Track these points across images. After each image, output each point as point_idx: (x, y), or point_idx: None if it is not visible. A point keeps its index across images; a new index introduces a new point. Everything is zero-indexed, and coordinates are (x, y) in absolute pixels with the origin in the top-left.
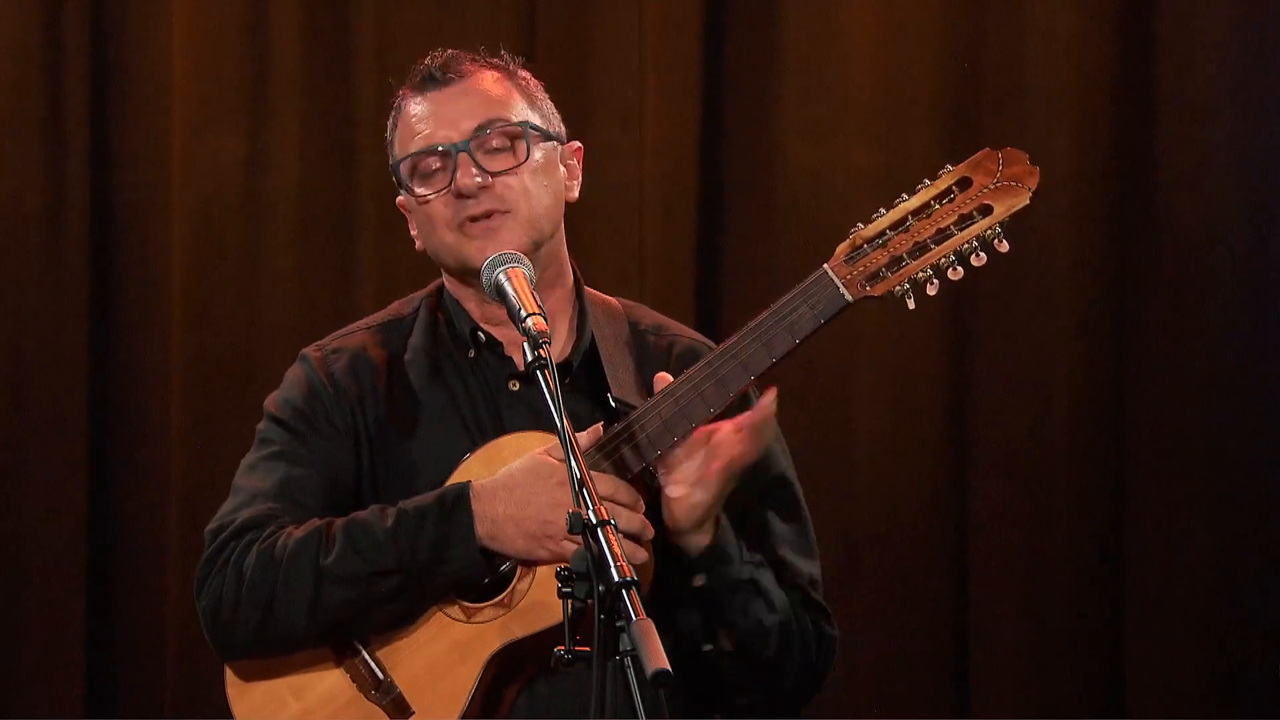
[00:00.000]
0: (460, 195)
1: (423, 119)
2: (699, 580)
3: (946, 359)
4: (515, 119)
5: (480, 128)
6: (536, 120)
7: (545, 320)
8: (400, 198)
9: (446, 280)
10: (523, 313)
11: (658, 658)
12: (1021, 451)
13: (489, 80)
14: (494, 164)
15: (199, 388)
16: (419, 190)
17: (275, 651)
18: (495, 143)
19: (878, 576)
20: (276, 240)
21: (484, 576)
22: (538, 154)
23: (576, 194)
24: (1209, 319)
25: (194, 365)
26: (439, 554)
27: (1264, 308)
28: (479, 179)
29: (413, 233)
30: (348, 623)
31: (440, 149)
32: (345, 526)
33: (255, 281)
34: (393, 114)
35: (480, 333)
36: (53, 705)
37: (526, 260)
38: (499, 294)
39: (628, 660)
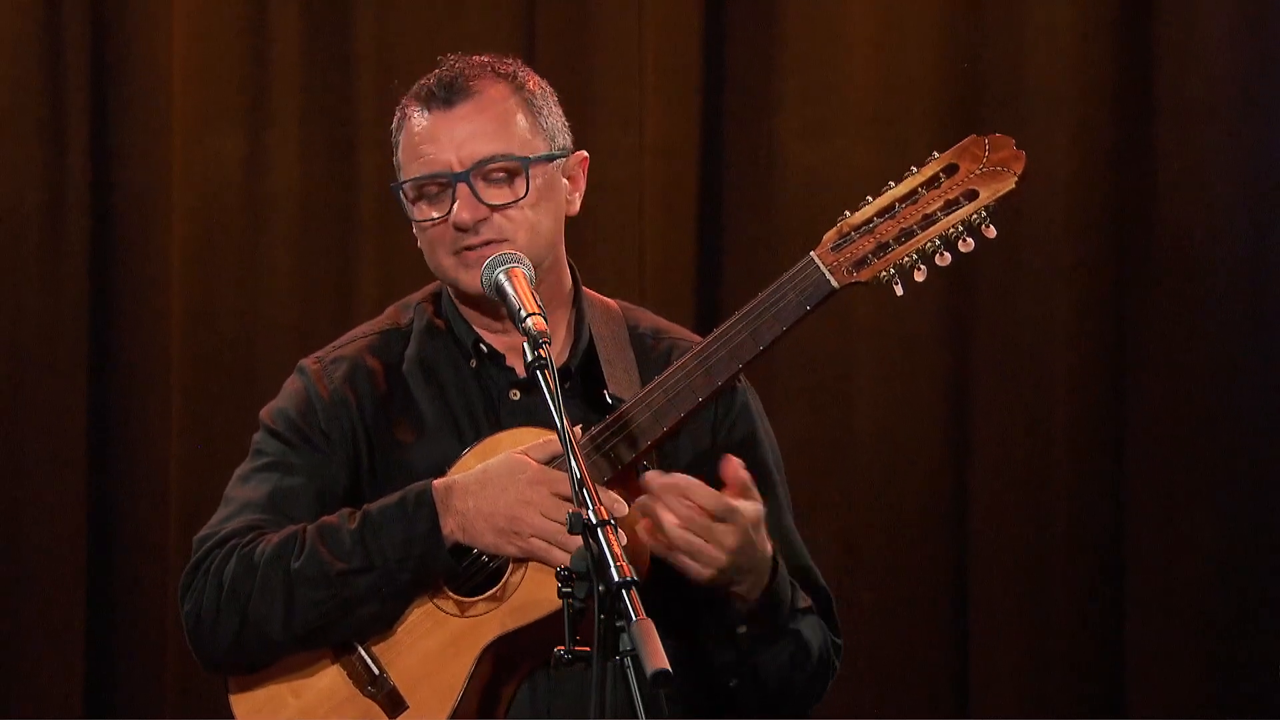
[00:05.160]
0: (458, 228)
1: (426, 139)
2: (742, 629)
3: (947, 359)
4: (517, 153)
5: (483, 160)
6: (540, 142)
7: (545, 320)
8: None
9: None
10: (522, 313)
11: (658, 658)
12: (1021, 451)
13: (494, 100)
14: (493, 195)
15: (199, 387)
16: (420, 214)
17: (256, 661)
18: (496, 174)
19: (878, 576)
20: (276, 240)
21: (452, 571)
22: (538, 183)
23: (578, 207)
24: (1209, 319)
25: (194, 365)
26: (404, 550)
27: (1264, 308)
28: (478, 213)
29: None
30: (327, 628)
31: (441, 177)
32: (314, 530)
33: (255, 281)
34: (398, 117)
35: (482, 344)
36: (53, 705)
37: (527, 260)
38: (499, 294)
39: (628, 660)
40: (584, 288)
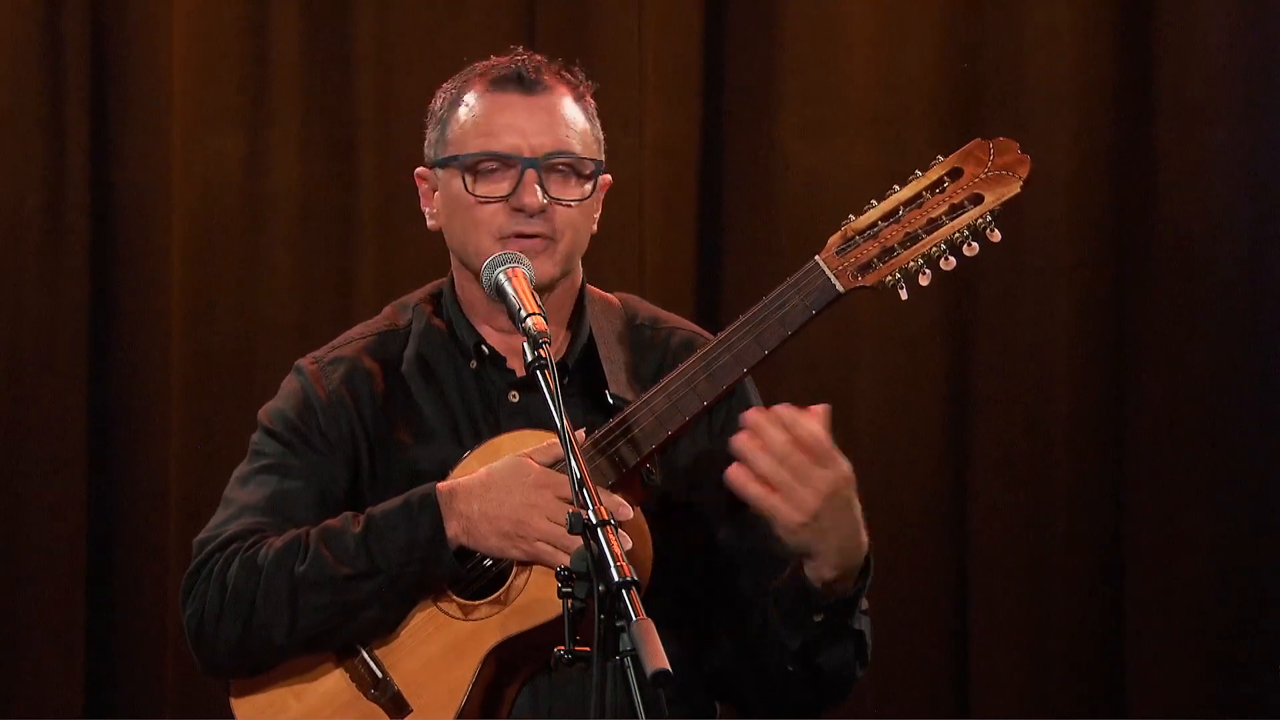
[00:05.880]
0: (519, 210)
1: (499, 118)
2: (818, 617)
3: (947, 359)
4: (588, 155)
5: (556, 152)
6: (598, 150)
7: (545, 320)
8: (421, 169)
9: (456, 275)
10: (523, 312)
11: (657, 658)
12: (1021, 451)
13: (568, 99)
14: (557, 189)
15: (199, 387)
16: (479, 190)
17: (258, 665)
18: (563, 168)
19: (878, 576)
20: (276, 240)
21: (456, 575)
22: (596, 186)
23: (596, 226)
24: (1209, 319)
25: (194, 365)
26: (409, 554)
27: (1264, 308)
28: (544, 200)
29: (426, 210)
30: (330, 632)
31: (510, 158)
32: (318, 534)
33: (255, 281)
34: (451, 95)
35: (484, 346)
36: (53, 705)
37: (526, 260)
38: (499, 294)
39: (628, 660)
40: (589, 285)
